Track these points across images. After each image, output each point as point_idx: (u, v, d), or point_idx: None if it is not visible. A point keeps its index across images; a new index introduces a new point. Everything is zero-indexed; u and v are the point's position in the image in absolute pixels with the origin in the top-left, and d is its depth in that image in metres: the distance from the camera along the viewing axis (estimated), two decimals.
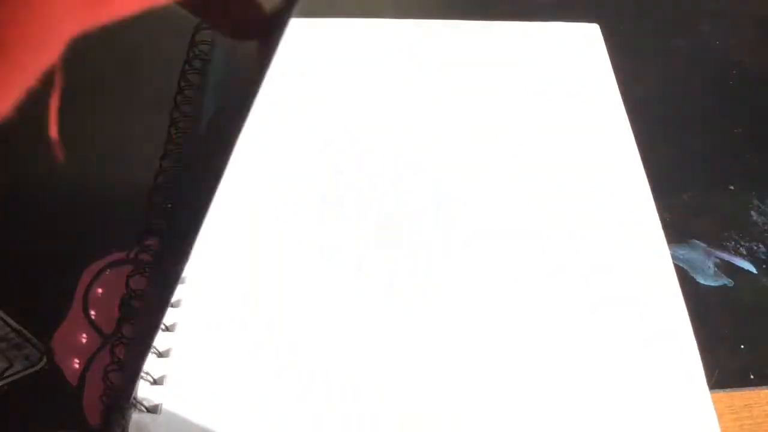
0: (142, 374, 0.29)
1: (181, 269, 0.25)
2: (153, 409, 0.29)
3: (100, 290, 0.32)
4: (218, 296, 0.32)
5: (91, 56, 0.35)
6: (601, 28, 0.46)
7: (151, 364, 0.30)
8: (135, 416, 0.28)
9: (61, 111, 0.14)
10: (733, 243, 0.38)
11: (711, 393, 0.30)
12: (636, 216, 0.36)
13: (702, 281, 0.36)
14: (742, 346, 0.34)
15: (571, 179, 0.38)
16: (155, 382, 0.29)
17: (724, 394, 0.31)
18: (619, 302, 0.33)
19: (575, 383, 0.30)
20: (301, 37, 0.43)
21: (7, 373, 0.29)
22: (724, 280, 0.36)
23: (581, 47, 0.45)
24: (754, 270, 0.37)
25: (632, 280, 0.34)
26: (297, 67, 0.40)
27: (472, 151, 0.39)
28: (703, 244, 0.37)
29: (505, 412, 0.29)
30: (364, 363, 0.30)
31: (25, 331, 0.30)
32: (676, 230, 0.36)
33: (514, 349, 0.31)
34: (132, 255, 0.32)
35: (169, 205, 0.30)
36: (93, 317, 0.31)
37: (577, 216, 0.36)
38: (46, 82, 0.14)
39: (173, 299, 0.32)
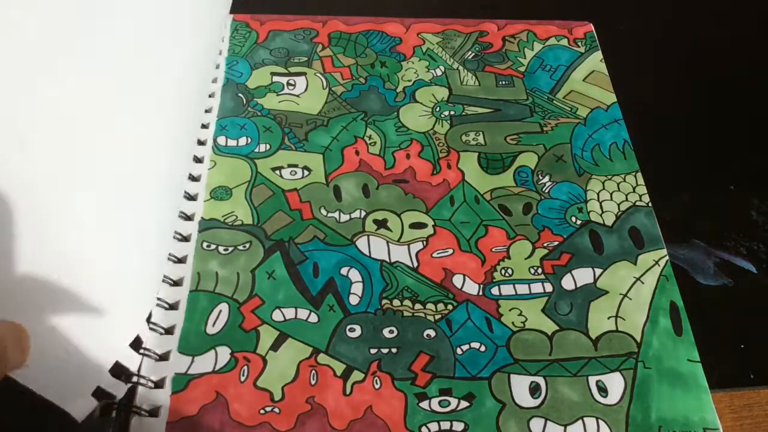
0: (142, 378, 0.29)
1: None
2: (154, 413, 0.28)
3: None
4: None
5: None
6: (603, 28, 0.46)
7: (151, 368, 0.30)
8: (135, 421, 0.28)
9: None
10: (733, 243, 0.37)
11: (711, 393, 0.30)
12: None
13: (702, 281, 0.36)
14: (742, 346, 0.34)
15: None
16: (156, 386, 0.29)
17: (724, 394, 0.31)
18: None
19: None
20: None
21: None
22: (724, 280, 0.36)
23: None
24: (754, 270, 0.37)
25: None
26: None
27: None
28: (703, 244, 0.37)
29: None
30: None
31: None
32: (676, 230, 0.36)
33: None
34: None
35: None
36: None
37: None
38: None
39: (171, 301, 0.32)
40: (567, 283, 0.34)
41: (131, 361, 0.29)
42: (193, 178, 0.36)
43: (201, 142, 0.38)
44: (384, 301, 0.33)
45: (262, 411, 0.29)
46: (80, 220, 0.31)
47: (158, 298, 0.31)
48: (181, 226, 0.34)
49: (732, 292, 0.36)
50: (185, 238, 0.34)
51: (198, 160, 0.37)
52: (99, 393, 0.28)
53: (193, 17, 0.43)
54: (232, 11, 0.46)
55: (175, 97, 0.38)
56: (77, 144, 0.30)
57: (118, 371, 0.29)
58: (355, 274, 0.34)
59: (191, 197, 0.36)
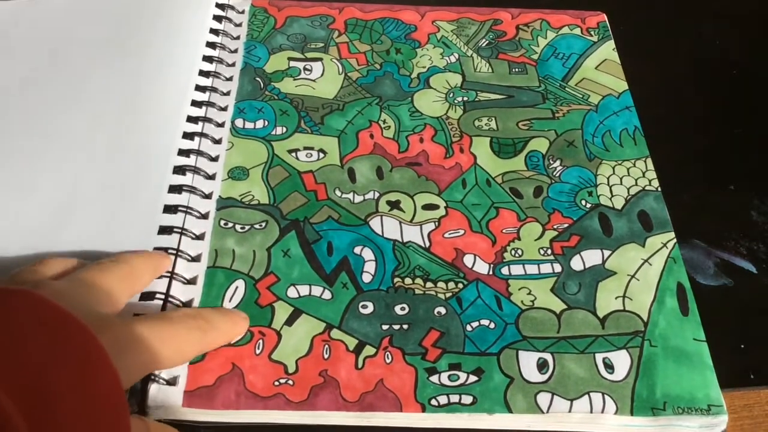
0: None
1: None
2: (172, 381, 0.29)
3: None
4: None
5: None
6: (616, 18, 0.46)
7: None
8: (154, 388, 0.29)
9: None
10: (733, 243, 0.37)
11: None
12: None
13: (702, 281, 0.36)
14: (742, 346, 0.34)
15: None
16: None
17: (724, 394, 0.31)
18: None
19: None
20: None
21: None
22: (724, 280, 0.36)
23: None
24: (754, 270, 0.37)
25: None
26: None
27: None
28: (703, 244, 0.37)
29: None
30: None
31: None
32: (676, 230, 0.36)
33: None
34: None
35: None
36: None
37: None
38: None
39: (189, 276, 0.33)
40: (576, 263, 0.34)
41: None
42: (212, 158, 0.37)
43: (219, 124, 0.39)
44: (396, 279, 0.33)
45: (276, 383, 0.30)
46: None
47: (175, 273, 0.32)
48: (200, 204, 0.35)
49: (732, 292, 0.36)
50: (204, 216, 0.35)
51: (216, 141, 0.38)
52: None
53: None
54: None
55: None
56: None
57: None
58: (368, 253, 0.34)
59: (209, 176, 0.36)
